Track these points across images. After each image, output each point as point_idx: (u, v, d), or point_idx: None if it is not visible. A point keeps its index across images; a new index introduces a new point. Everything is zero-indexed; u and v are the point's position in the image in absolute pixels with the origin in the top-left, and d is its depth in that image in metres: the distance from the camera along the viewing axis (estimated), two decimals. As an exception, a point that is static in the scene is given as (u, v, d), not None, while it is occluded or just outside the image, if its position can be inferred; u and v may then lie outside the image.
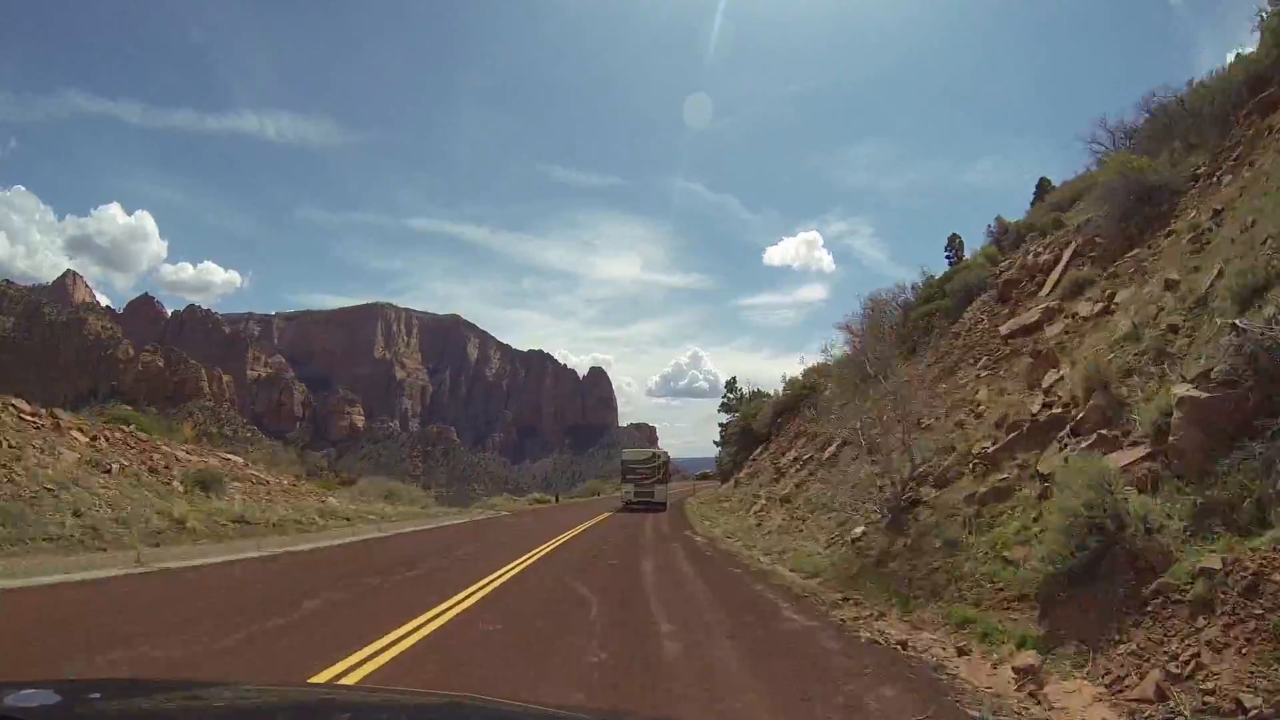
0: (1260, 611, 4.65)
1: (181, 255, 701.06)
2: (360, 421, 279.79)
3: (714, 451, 66.93)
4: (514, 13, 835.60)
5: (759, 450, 37.09)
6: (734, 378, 62.61)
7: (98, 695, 2.11)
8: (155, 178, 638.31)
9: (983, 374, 15.02)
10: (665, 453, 40.47)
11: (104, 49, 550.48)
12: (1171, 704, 4.62)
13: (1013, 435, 9.93)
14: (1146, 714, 4.68)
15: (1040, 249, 17.81)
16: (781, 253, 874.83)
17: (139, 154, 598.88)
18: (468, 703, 2.52)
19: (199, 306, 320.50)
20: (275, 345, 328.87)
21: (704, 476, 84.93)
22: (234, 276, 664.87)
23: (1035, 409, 9.96)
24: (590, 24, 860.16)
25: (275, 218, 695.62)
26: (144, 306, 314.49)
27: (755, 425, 41.37)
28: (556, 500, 56.26)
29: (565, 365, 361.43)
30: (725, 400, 62.09)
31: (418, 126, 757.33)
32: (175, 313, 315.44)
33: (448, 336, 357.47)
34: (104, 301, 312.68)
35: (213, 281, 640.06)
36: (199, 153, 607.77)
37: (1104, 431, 7.79)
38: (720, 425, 62.19)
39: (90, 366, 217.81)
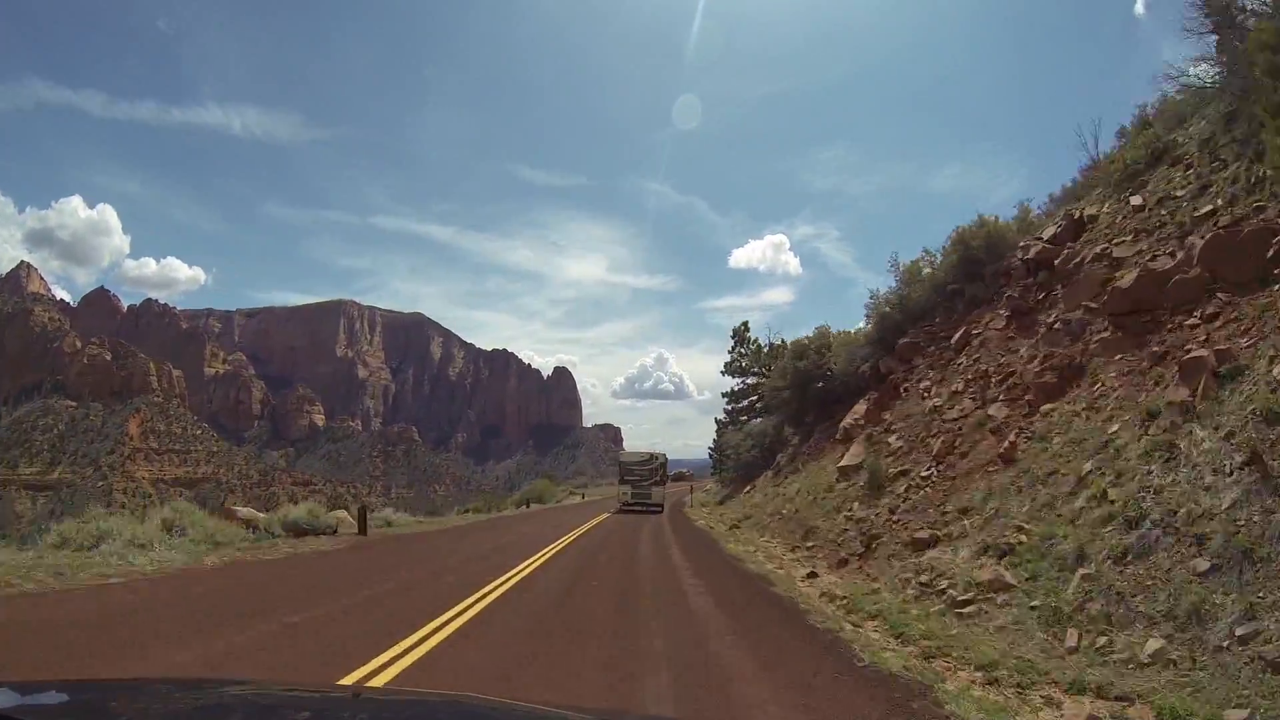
0: None
1: (145, 250, 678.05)
2: (320, 420, 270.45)
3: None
4: (485, 11, 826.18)
5: (865, 406, 20.19)
6: (745, 323, 44.46)
7: (97, 695, 2.11)
8: (118, 171, 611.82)
9: None
10: (663, 455, 38.78)
11: (66, 36, 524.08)
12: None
13: None
14: None
15: None
16: (748, 255, 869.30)
17: (102, 146, 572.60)
18: (468, 702, 2.55)
19: (156, 300, 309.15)
20: (236, 342, 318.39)
21: (680, 477, 79.01)
22: (198, 273, 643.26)
23: None
24: (561, 24, 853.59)
25: (241, 214, 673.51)
26: (99, 300, 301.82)
27: (836, 368, 25.12)
28: (363, 529, 18.13)
29: (530, 365, 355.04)
30: (735, 358, 44.05)
31: (386, 123, 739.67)
32: (131, 307, 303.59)
33: (411, 335, 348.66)
34: (62, 295, 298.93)
35: (177, 278, 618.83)
36: (163, 146, 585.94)
37: None
38: (725, 396, 45.92)
39: (35, 359, 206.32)
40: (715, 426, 51.89)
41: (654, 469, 36.86)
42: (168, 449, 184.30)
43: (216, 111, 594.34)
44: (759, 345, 43.22)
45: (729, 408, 46.37)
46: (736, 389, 45.41)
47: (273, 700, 2.25)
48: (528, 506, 44.61)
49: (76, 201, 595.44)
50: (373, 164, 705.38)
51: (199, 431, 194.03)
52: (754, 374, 43.48)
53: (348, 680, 5.62)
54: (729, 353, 45.23)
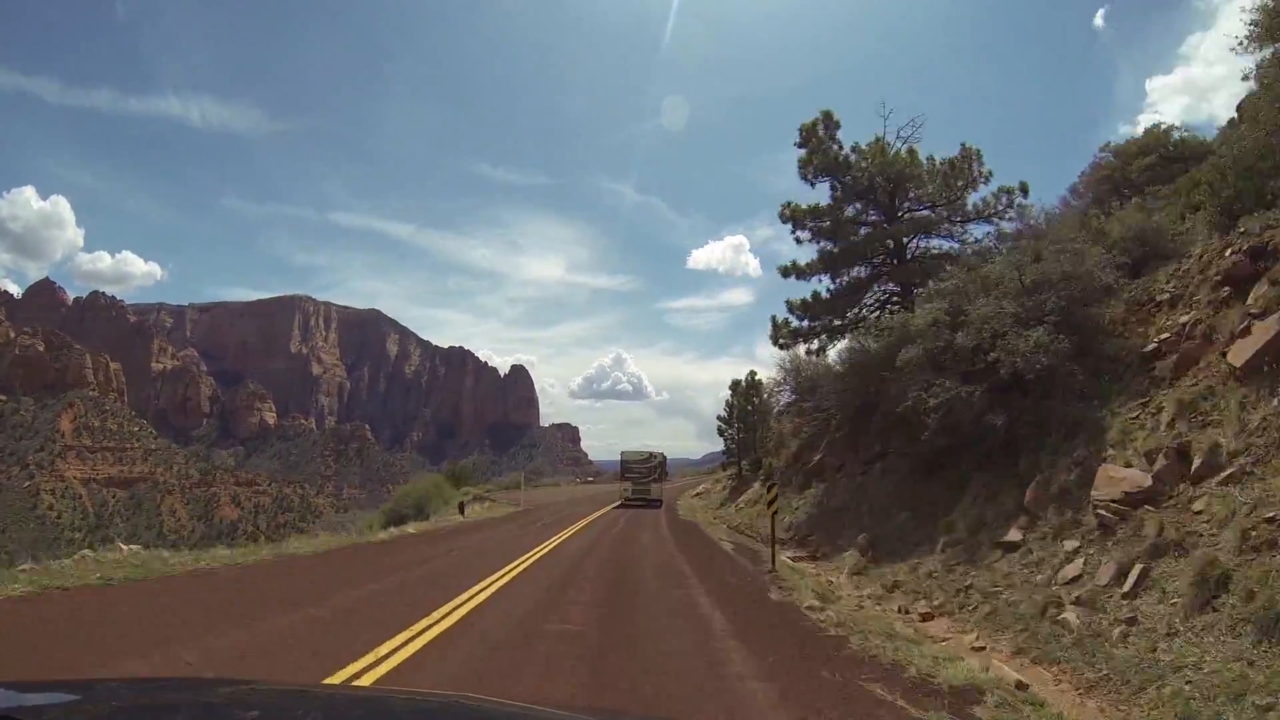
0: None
1: (99, 244, 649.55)
2: (271, 418, 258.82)
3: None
4: (447, 6, 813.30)
5: None
6: (827, 114, 21.51)
7: (97, 695, 2.11)
8: (72, 161, 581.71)
9: None
10: (662, 453, 39.57)
11: (20, 20, 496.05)
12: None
13: None
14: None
15: None
16: (707, 256, 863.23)
17: (56, 134, 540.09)
18: (467, 703, 2.49)
19: (103, 293, 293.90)
20: (188, 338, 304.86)
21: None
22: (154, 268, 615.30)
23: None
24: (523, 21, 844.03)
25: (197, 207, 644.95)
26: (44, 292, 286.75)
27: None
28: None
29: (487, 364, 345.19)
30: (816, 164, 21.47)
31: (346, 118, 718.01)
32: (77, 299, 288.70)
33: (367, 331, 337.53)
34: (12, 288, 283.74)
35: (132, 273, 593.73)
36: (119, 136, 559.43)
37: None
38: (787, 274, 22.56)
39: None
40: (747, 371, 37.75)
41: (653, 467, 37.64)
42: (102, 446, 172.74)
43: (174, 101, 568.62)
44: (882, 149, 20.58)
45: (807, 297, 22.00)
46: (827, 254, 21.44)
47: (256, 702, 2.12)
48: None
49: (29, 192, 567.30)
50: (332, 159, 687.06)
51: (136, 428, 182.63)
52: (860, 220, 21.40)
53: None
54: (800, 171, 21.37)
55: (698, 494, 42.65)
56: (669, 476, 74.66)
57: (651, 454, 38.61)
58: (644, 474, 37.25)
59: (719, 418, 40.65)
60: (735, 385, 38.39)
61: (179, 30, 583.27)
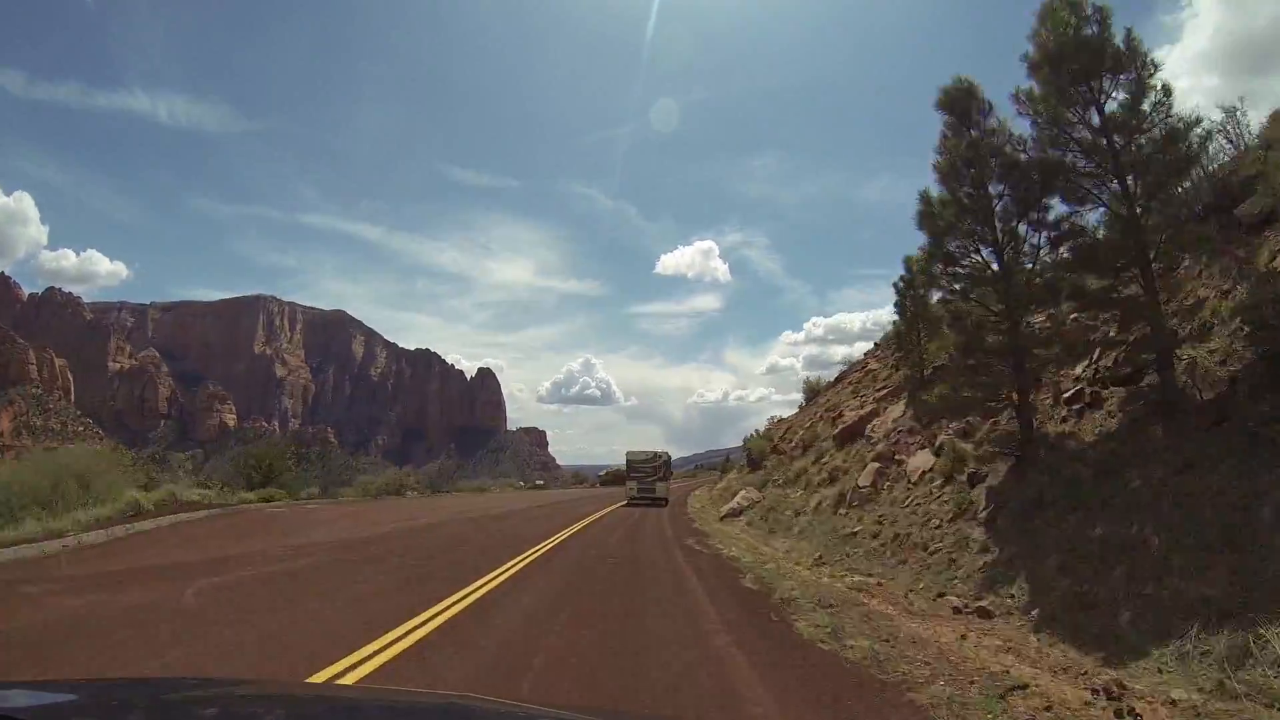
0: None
1: (64, 242, 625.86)
2: (231, 420, 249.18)
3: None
4: (418, 6, 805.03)
5: None
6: None
7: (97, 694, 2.10)
8: (37, 156, 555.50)
9: None
10: (666, 453, 40.85)
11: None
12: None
13: None
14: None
15: None
16: (676, 261, 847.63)
17: (20, 128, 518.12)
18: (468, 703, 2.48)
19: (60, 289, 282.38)
20: (150, 338, 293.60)
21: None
22: (120, 268, 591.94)
23: None
24: (494, 22, 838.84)
25: (165, 206, 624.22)
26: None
27: None
28: None
29: (453, 366, 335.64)
30: None
31: (316, 118, 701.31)
32: (33, 296, 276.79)
33: (333, 333, 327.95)
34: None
35: (97, 272, 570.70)
36: (85, 131, 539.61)
37: None
38: None
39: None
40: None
41: (658, 466, 38.62)
42: (43, 446, 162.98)
43: (143, 97, 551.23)
44: None
45: None
46: None
47: (258, 702, 2.07)
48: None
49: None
50: (302, 159, 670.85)
51: (81, 428, 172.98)
52: None
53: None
54: None
55: (732, 510, 24.70)
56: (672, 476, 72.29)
57: (657, 454, 39.86)
58: (649, 473, 38.05)
59: (894, 285, 22.77)
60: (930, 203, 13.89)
61: (148, 25, 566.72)
